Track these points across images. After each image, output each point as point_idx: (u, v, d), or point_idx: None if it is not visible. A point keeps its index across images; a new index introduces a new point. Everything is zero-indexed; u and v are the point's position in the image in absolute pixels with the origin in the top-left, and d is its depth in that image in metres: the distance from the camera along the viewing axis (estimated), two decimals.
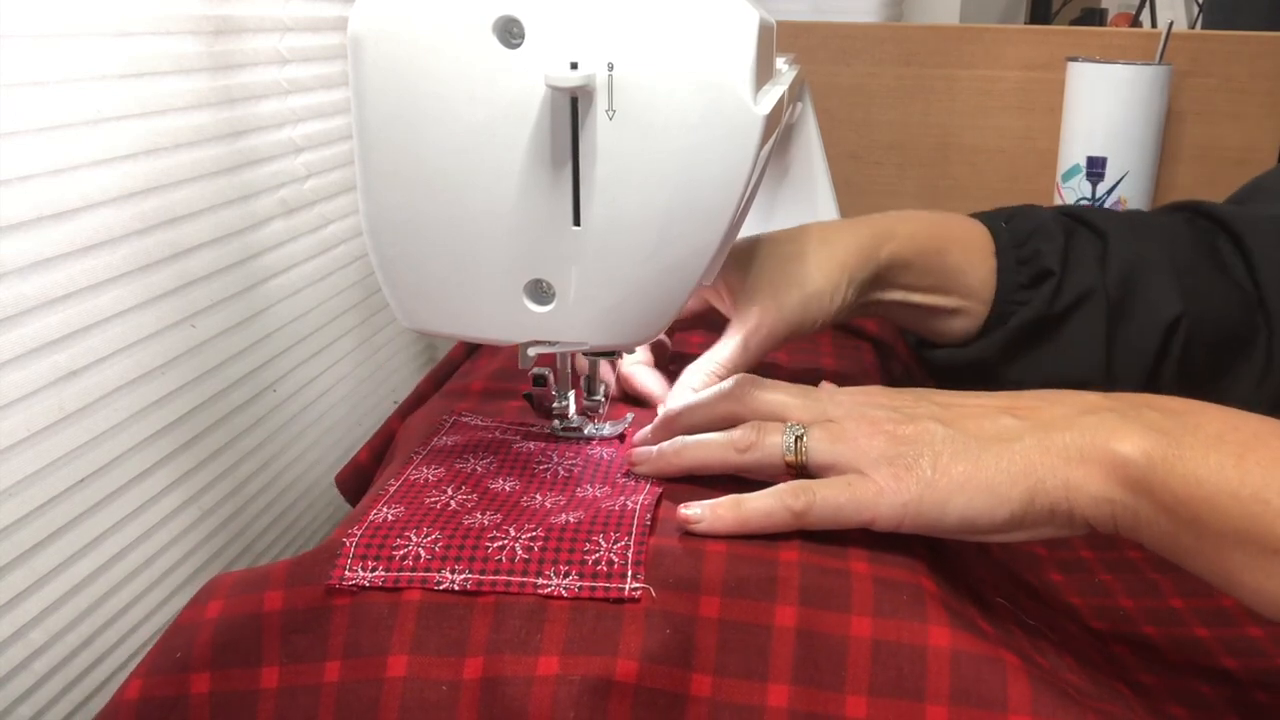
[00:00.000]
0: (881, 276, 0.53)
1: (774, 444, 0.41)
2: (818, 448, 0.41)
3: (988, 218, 0.56)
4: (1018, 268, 0.54)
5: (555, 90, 0.37)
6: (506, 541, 0.39)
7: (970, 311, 0.55)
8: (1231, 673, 0.46)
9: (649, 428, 0.47)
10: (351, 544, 0.39)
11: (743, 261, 0.52)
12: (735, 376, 0.45)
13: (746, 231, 0.82)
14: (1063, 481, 0.37)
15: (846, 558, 0.39)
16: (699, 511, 0.40)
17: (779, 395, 0.44)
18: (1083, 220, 0.56)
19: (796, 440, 0.41)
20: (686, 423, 0.45)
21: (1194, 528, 0.35)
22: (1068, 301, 0.54)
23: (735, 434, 0.42)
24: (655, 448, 0.44)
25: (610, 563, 0.38)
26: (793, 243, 0.52)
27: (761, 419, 0.43)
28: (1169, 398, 0.39)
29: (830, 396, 0.44)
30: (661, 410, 0.47)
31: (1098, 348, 0.54)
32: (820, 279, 0.51)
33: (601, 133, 0.38)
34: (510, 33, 0.37)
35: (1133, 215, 0.58)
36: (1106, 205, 0.87)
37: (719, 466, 0.43)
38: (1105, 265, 0.54)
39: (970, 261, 0.54)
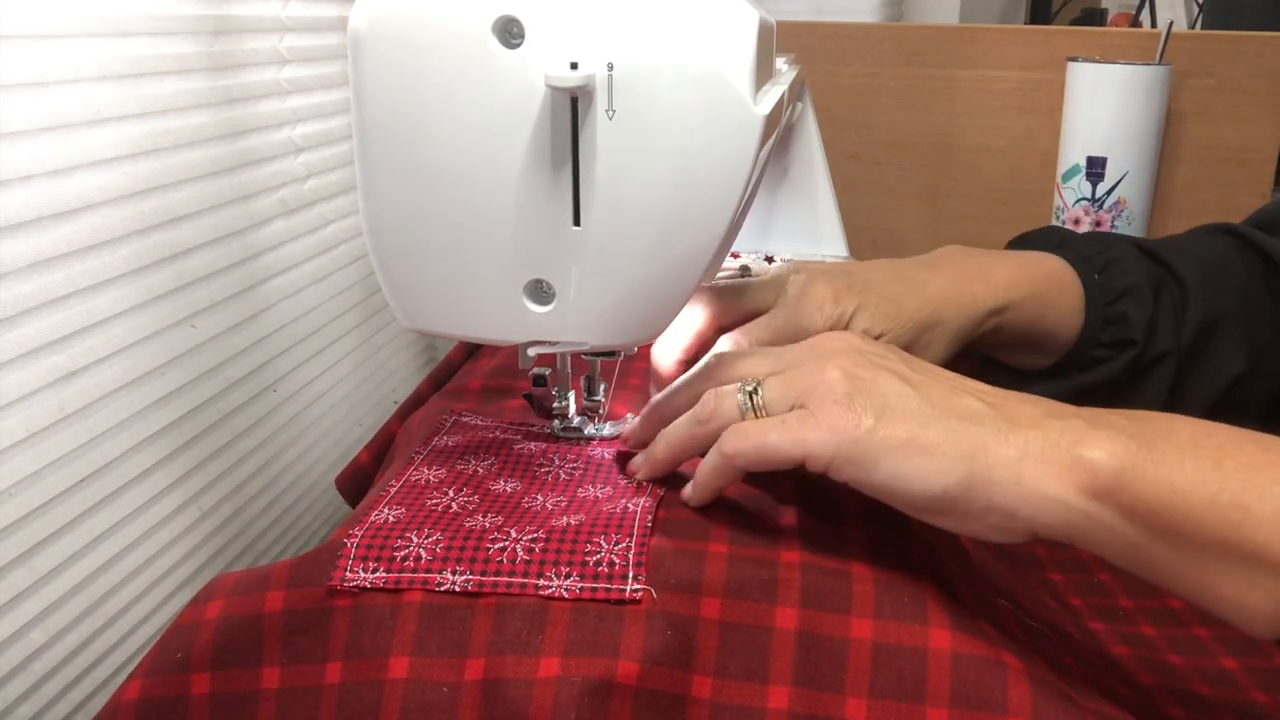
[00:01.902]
0: (980, 339, 0.53)
1: (730, 408, 0.40)
2: (774, 396, 0.39)
3: (1080, 261, 0.55)
4: (1103, 326, 0.53)
5: (555, 90, 0.37)
6: (508, 543, 0.39)
7: (1046, 355, 0.55)
8: (1231, 673, 0.46)
9: (636, 420, 0.46)
10: (353, 545, 0.39)
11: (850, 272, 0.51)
12: (712, 354, 0.44)
13: (746, 231, 0.82)
14: (1014, 475, 0.35)
15: (847, 559, 0.39)
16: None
17: (751, 364, 0.42)
18: (1164, 263, 0.55)
19: (751, 396, 0.39)
20: (669, 409, 0.44)
21: (1168, 537, 0.33)
22: (1143, 367, 0.53)
23: (696, 409, 0.41)
24: (643, 454, 0.44)
25: (611, 564, 0.38)
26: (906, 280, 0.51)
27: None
28: (1136, 411, 0.37)
29: (799, 345, 0.42)
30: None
31: (1159, 403, 0.53)
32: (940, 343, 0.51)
33: (601, 133, 0.38)
34: (510, 33, 0.37)
35: (1204, 255, 0.56)
36: (1106, 205, 0.87)
37: (692, 447, 0.42)
38: (1181, 324, 0.53)
39: (1062, 323, 0.54)
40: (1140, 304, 0.53)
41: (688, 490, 0.42)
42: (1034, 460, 0.35)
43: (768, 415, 0.39)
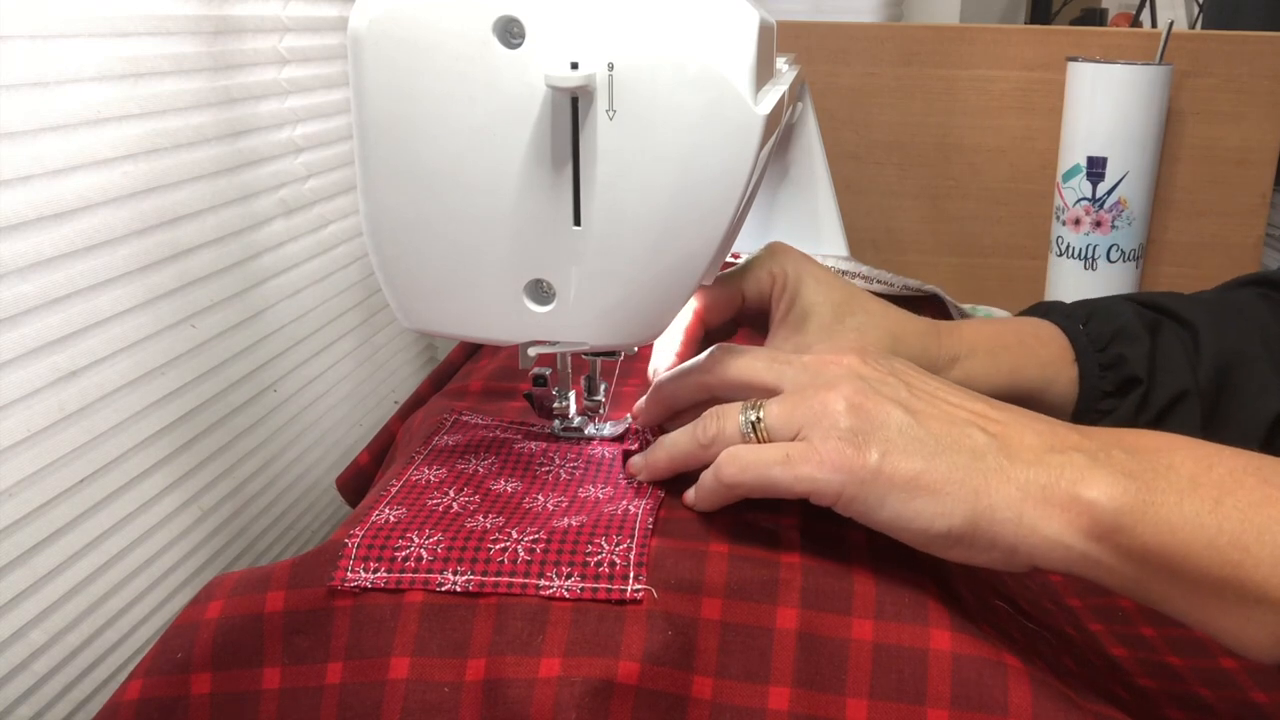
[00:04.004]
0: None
1: (733, 432, 0.40)
2: (776, 425, 0.39)
3: (1063, 317, 0.53)
4: (1101, 373, 0.51)
5: (555, 90, 0.37)
6: (509, 543, 0.39)
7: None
8: (1230, 673, 0.46)
9: (643, 398, 0.47)
10: (353, 545, 0.39)
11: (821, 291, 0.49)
12: (713, 346, 0.44)
13: (747, 231, 0.82)
14: (1015, 515, 0.35)
15: (848, 560, 0.39)
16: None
17: (748, 361, 0.42)
18: (1164, 310, 0.54)
19: (754, 425, 0.40)
20: (665, 394, 0.45)
21: (1165, 576, 0.34)
22: (1159, 407, 0.51)
23: (697, 428, 0.41)
24: (643, 456, 0.44)
25: (612, 564, 0.38)
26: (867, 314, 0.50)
27: (729, 387, 0.42)
28: (1140, 432, 0.37)
29: (800, 359, 0.42)
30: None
31: None
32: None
33: (601, 133, 0.38)
34: (510, 33, 0.37)
35: (1212, 299, 0.55)
36: (1106, 205, 0.87)
37: (695, 463, 0.42)
38: (1197, 363, 0.51)
39: (1050, 376, 0.51)
40: (1134, 343, 0.51)
41: (690, 495, 0.42)
42: (1035, 501, 0.35)
43: (770, 441, 0.39)
